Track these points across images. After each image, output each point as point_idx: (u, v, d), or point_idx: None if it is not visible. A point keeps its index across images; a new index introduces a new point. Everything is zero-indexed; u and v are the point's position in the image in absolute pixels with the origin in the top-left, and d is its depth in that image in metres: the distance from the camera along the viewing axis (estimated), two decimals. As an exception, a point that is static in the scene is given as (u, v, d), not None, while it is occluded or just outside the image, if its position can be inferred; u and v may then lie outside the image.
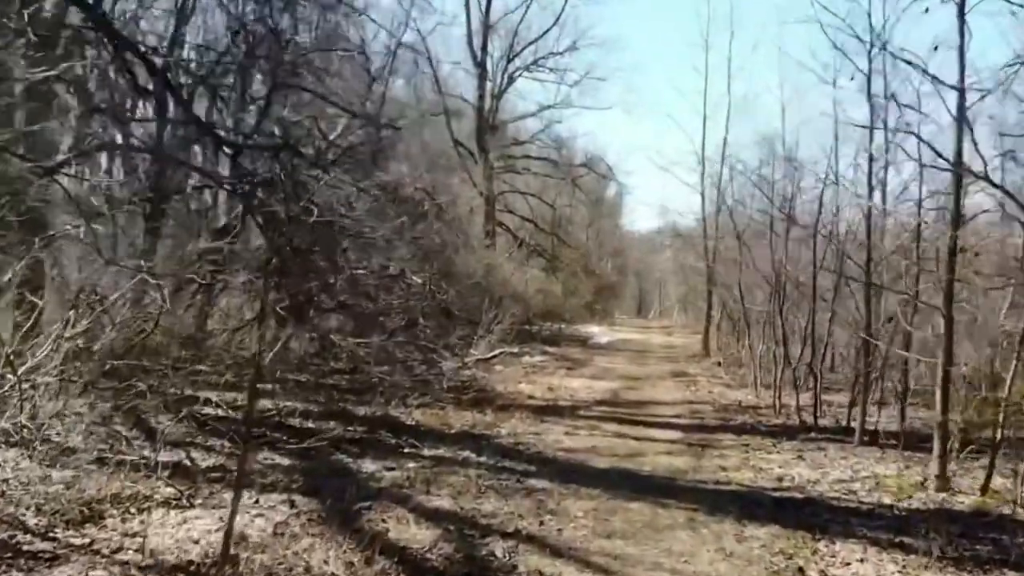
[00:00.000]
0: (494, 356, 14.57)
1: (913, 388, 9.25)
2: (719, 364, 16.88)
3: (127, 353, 7.63)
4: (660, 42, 52.28)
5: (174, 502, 5.90)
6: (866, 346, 8.83)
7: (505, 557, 4.82)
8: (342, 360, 12.24)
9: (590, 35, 28.97)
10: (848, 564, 4.91)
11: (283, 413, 9.08)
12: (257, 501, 5.98)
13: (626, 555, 4.93)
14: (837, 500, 6.37)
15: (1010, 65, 5.83)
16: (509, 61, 27.79)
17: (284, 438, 8.11)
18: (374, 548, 4.73)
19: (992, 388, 7.01)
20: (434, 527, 5.32)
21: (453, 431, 8.74)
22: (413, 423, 9.14)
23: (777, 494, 6.49)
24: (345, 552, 4.77)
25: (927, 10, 7.13)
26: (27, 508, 5.27)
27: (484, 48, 26.93)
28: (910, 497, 6.39)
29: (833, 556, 5.03)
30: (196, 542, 5.10)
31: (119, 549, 4.85)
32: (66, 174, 8.12)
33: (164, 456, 7.07)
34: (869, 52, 8.39)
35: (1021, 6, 6.05)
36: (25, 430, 5.87)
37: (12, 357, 5.75)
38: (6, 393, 5.70)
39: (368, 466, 7.01)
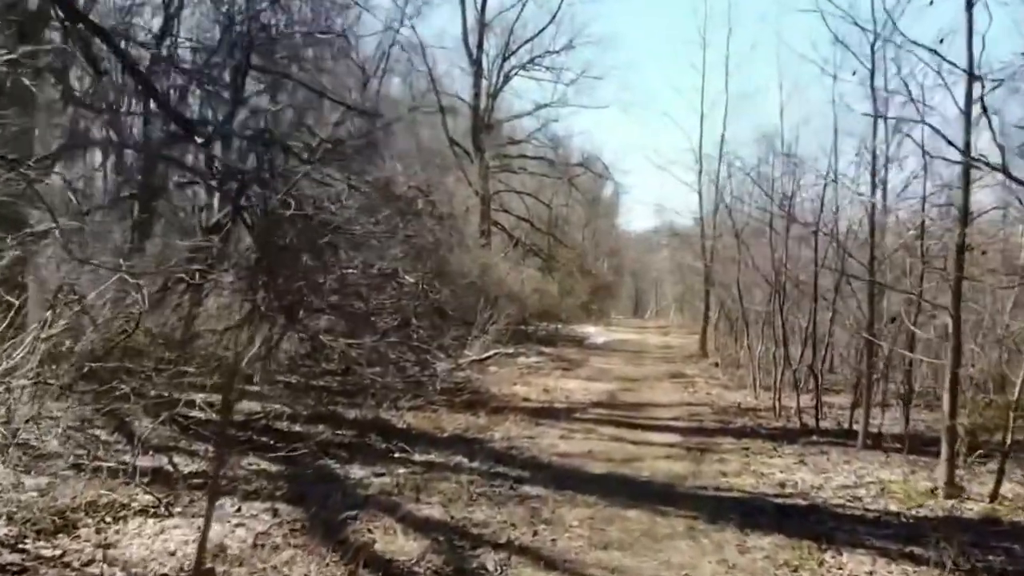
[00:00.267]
0: (489, 357, 14.33)
1: (912, 389, 9.04)
2: (717, 365, 16.66)
3: (107, 355, 7.38)
4: (657, 40, 51.97)
5: (152, 510, 5.65)
6: (869, 347, 8.61)
7: (497, 570, 4.58)
8: (334, 361, 12.01)
9: (586, 33, 28.81)
10: (856, 577, 4.70)
11: (270, 416, 8.85)
12: (239, 509, 5.73)
13: (624, 567, 4.70)
14: (842, 507, 6.15)
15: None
16: (505, 59, 27.62)
17: (271, 442, 7.88)
18: (358, 561, 4.49)
19: (1000, 390, 6.81)
20: (423, 538, 5.08)
21: (445, 435, 8.50)
22: (404, 426, 8.90)
23: (780, 501, 6.26)
24: (328, 565, 4.54)
25: (932, 2, 6.92)
26: (-1, 517, 5.03)
27: (480, 46, 26.75)
28: (920, 506, 6.16)
29: (840, 568, 4.80)
30: (172, 554, 4.86)
31: (90, 562, 4.61)
32: (39, 169, 7.88)
33: (145, 461, 6.85)
34: (872, 44, 8.17)
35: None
36: (-1, 435, 5.62)
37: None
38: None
39: (356, 472, 6.76)
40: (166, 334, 8.31)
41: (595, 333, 25.15)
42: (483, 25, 26.68)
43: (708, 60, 34.66)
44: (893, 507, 6.14)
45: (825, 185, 9.54)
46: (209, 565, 4.43)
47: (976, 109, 6.16)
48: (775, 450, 8.30)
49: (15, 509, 5.23)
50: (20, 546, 4.79)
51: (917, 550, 5.09)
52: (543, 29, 27.13)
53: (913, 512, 6.02)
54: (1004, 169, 5.46)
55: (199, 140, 5.19)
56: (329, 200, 9.38)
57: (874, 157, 8.34)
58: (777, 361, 11.28)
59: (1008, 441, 6.15)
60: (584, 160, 30.98)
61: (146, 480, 6.20)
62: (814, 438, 8.95)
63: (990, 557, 5.03)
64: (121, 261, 6.48)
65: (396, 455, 7.47)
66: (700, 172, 20.95)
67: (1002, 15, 6.39)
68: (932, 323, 8.95)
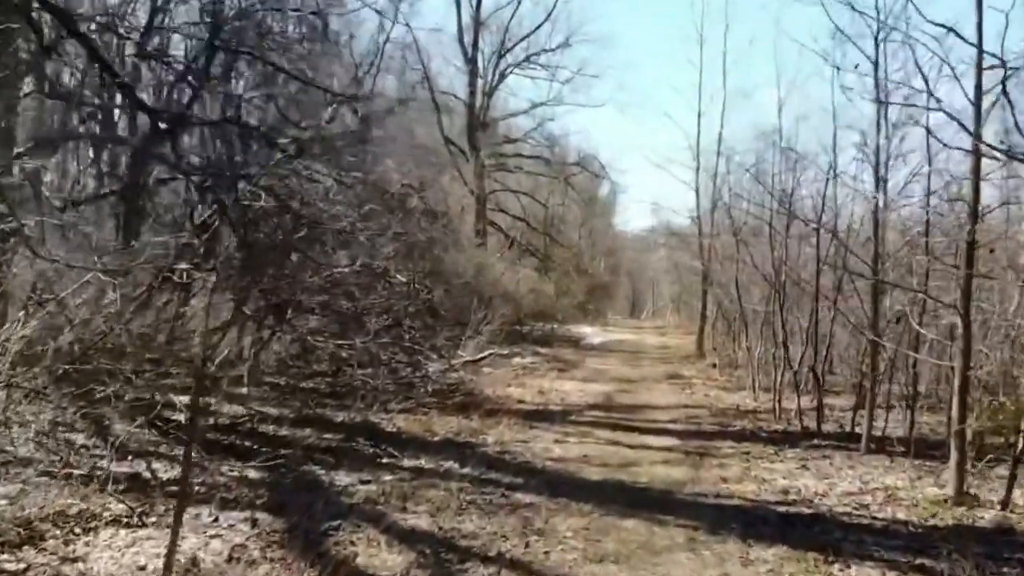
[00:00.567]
0: (483, 358, 14.06)
1: (917, 391, 8.80)
2: (714, 366, 16.42)
3: (84, 356, 7.11)
4: (654, 38, 51.91)
5: (125, 520, 5.38)
6: (873, 347, 8.36)
7: (485, 586, 4.32)
8: (324, 362, 11.74)
9: (583, 31, 28.47)
10: (866, 591, 4.44)
11: (255, 419, 8.57)
12: (216, 519, 5.46)
13: (620, 583, 4.44)
14: (848, 516, 5.88)
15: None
16: (500, 57, 27.37)
17: (255, 447, 7.61)
18: (338, 577, 4.23)
19: (1011, 392, 6.57)
20: (408, 550, 4.81)
21: (436, 439, 8.23)
22: (394, 430, 8.63)
23: (783, 509, 5.99)
24: (306, 582, 4.27)
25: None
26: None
27: (475, 44, 26.49)
28: (929, 513, 5.90)
29: (849, 582, 4.55)
30: (142, 568, 4.59)
31: (55, 576, 4.34)
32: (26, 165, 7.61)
33: (123, 467, 6.60)
34: (876, 36, 7.93)
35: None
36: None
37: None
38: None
39: (342, 478, 6.48)
40: (147, 335, 8.02)
41: (591, 333, 24.90)
42: (478, 22, 26.42)
43: (705, 57, 34.50)
44: (901, 515, 5.89)
45: (827, 181, 9.29)
46: (179, 581, 4.17)
47: (987, 100, 5.92)
48: (776, 454, 8.05)
49: (-18, 519, 4.97)
50: (-19, 559, 4.52)
51: (928, 562, 4.84)
52: (539, 27, 26.93)
53: (922, 521, 5.77)
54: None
55: (162, 126, 4.90)
56: (316, 196, 9.12)
57: (877, 151, 8.09)
58: (777, 362, 11.03)
59: (1021, 445, 5.90)
60: (581, 159, 30.75)
61: (121, 487, 5.96)
62: (816, 441, 8.70)
63: (1005, 569, 4.78)
64: (96, 259, 6.19)
65: (384, 460, 7.19)
66: (698, 170, 20.73)
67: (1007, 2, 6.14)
68: (936, 323, 8.73)
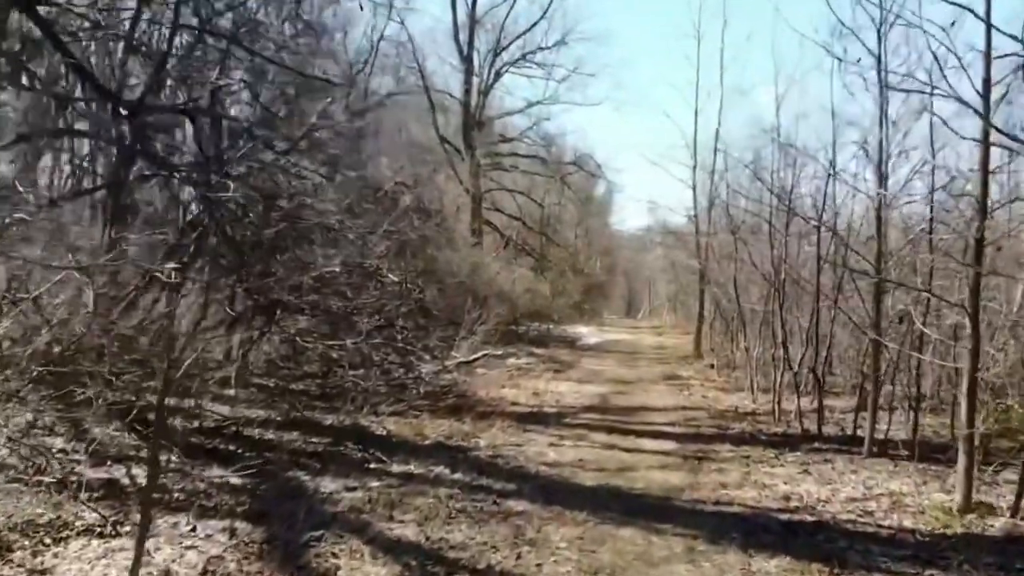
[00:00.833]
0: (477, 359, 13.81)
1: (920, 393, 8.59)
2: (712, 366, 16.20)
3: (62, 357, 6.85)
4: (650, 35, 51.59)
5: (98, 529, 5.14)
6: (876, 347, 8.14)
7: (473, 602, 4.09)
8: (316, 363, 11.49)
9: (579, 30, 28.14)
10: (874, 605, 4.22)
11: (241, 422, 8.32)
12: (193, 529, 5.22)
13: (616, 597, 4.21)
14: (852, 523, 5.66)
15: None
16: (496, 56, 27.10)
17: (238, 451, 7.37)
18: (316, 592, 4.00)
19: (1020, 395, 6.36)
20: (393, 562, 4.58)
21: (427, 442, 7.99)
22: (384, 433, 8.39)
23: (785, 517, 5.76)
24: (282, 597, 4.03)
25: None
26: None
27: (470, 42, 26.23)
28: (937, 521, 5.68)
29: (856, 595, 4.33)
30: (111, 582, 4.35)
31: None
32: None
33: (101, 473, 6.37)
34: (879, 28, 7.71)
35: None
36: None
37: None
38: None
39: (327, 485, 6.24)
40: (125, 336, 7.75)
41: (587, 333, 24.68)
42: (474, 20, 26.17)
43: (702, 53, 34.18)
44: (907, 523, 5.67)
45: (828, 176, 9.07)
46: (147, 598, 3.93)
47: (996, 91, 5.70)
48: (777, 458, 7.82)
49: (-56, 530, 4.74)
50: (-57, 573, 4.29)
51: (938, 574, 4.64)
52: (534, 25, 26.66)
53: (930, 529, 5.55)
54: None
55: (123, 111, 4.64)
56: (304, 193, 8.88)
57: (880, 146, 7.87)
58: (776, 363, 10.81)
59: (1031, 450, 5.69)
60: (577, 158, 30.50)
61: (96, 494, 5.73)
62: (817, 445, 8.48)
63: (1017, 581, 4.57)
64: (71, 257, 5.94)
65: (372, 465, 6.96)
66: (695, 168, 20.50)
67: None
68: (940, 323, 8.52)
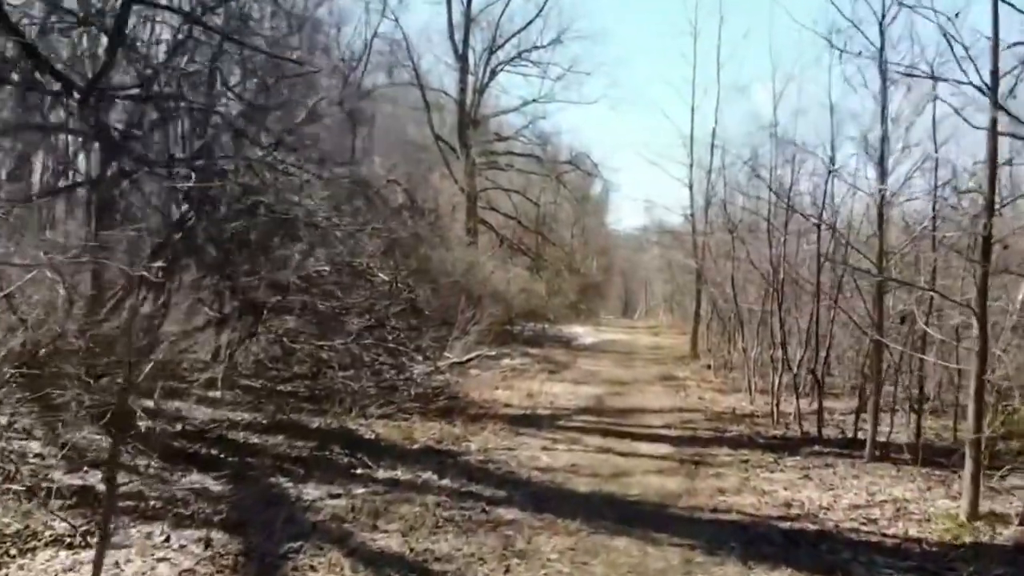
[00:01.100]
0: (470, 359, 13.57)
1: (923, 394, 8.39)
2: (709, 367, 15.99)
3: (33, 359, 6.61)
4: (647, 33, 51.19)
5: (68, 539, 4.90)
6: (877, 348, 7.92)
7: (457, 620, 3.86)
8: (305, 364, 11.26)
9: (574, 28, 27.86)
10: (881, 622, 4.00)
11: (225, 425, 8.08)
12: (167, 539, 4.99)
13: (609, 614, 3.98)
14: (856, 532, 5.44)
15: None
16: (492, 54, 26.87)
17: (220, 456, 7.13)
18: (290, 610, 3.76)
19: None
20: (374, 575, 4.35)
21: (416, 446, 7.75)
22: (372, 437, 8.15)
23: (786, 525, 5.54)
24: (254, 615, 3.80)
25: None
26: None
27: (465, 40, 26.00)
28: (944, 530, 5.46)
29: (862, 611, 4.10)
30: (77, 598, 4.11)
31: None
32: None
33: (76, 479, 6.13)
34: (881, 21, 7.50)
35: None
36: None
37: None
38: None
39: (310, 492, 6.01)
40: (108, 336, 7.51)
41: (583, 333, 24.45)
42: (469, 19, 25.94)
43: (699, 50, 34.05)
44: (913, 531, 5.45)
45: (829, 173, 8.85)
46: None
47: (1005, 83, 5.49)
48: (776, 462, 7.60)
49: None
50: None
51: (947, 586, 4.42)
52: (530, 23, 26.43)
53: (936, 538, 5.33)
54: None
55: (76, 96, 4.38)
56: (290, 189, 8.65)
57: (882, 141, 7.66)
58: (775, 363, 10.60)
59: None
60: (573, 157, 30.25)
61: (69, 502, 5.50)
62: (817, 448, 8.26)
63: (1030, 594, 4.35)
64: (42, 254, 5.69)
65: (358, 471, 6.72)
66: (691, 166, 20.28)
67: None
68: (942, 323, 8.32)
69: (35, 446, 6.85)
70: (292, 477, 6.42)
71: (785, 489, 6.55)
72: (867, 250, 8.45)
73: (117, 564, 4.58)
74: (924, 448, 7.53)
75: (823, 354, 9.73)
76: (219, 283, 8.71)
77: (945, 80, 5.72)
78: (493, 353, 15.20)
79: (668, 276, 30.76)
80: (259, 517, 5.35)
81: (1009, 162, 6.01)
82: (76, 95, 3.95)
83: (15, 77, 5.57)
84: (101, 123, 5.27)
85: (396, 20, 24.01)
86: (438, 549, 4.79)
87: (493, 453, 7.55)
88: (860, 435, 8.47)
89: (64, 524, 5.02)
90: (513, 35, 26.71)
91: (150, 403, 8.09)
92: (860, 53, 7.88)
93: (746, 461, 7.60)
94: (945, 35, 5.46)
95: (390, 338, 11.59)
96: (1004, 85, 5.73)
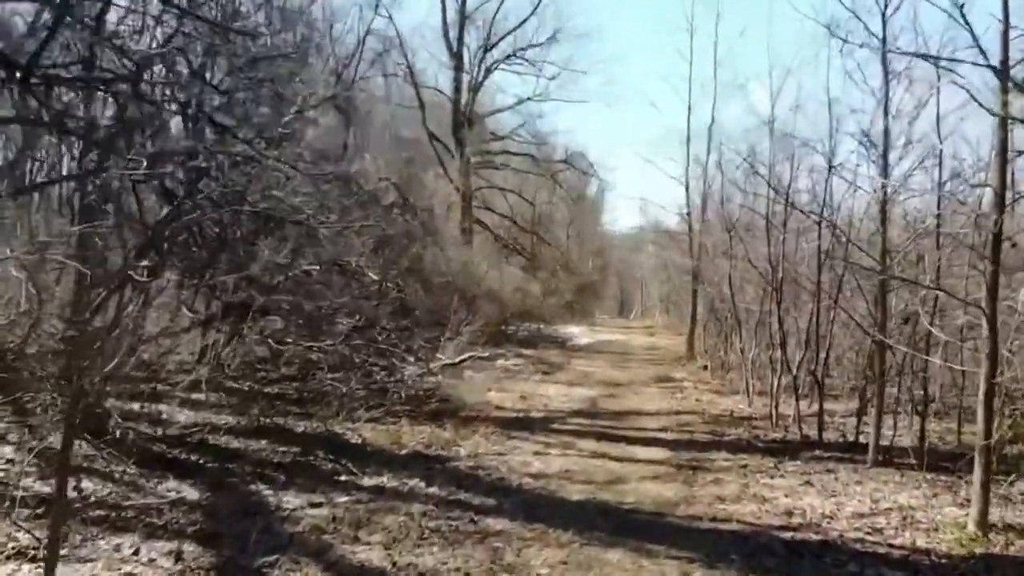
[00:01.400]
0: (463, 360, 13.30)
1: (928, 397, 8.15)
2: (706, 368, 15.75)
3: (3, 359, 6.34)
4: (643, 31, 50.92)
5: (32, 552, 4.64)
6: (880, 349, 7.69)
7: (439, 642, 3.60)
8: (294, 365, 10.99)
9: (570, 26, 27.71)
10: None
11: (206, 429, 7.80)
12: (136, 552, 4.73)
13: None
14: (861, 543, 5.19)
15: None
16: (486, 52, 26.60)
17: (201, 461, 6.87)
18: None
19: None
20: (352, 593, 4.09)
21: (404, 451, 7.49)
22: (359, 441, 7.89)
23: (788, 536, 5.29)
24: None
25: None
26: None
27: (460, 39, 25.72)
28: (954, 540, 5.21)
29: (871, 630, 3.86)
30: (35, 618, 3.85)
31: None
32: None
33: (47, 487, 5.85)
34: (884, 12, 7.27)
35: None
36: None
37: None
38: None
39: (290, 500, 5.75)
40: (83, 337, 7.23)
41: (579, 334, 24.19)
42: (464, 17, 25.67)
43: (696, 47, 33.86)
44: (921, 542, 5.20)
45: (829, 169, 8.61)
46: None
47: (1014, 72, 5.25)
48: (776, 467, 7.36)
49: None
50: None
51: (960, 602, 4.17)
52: (524, 21, 26.15)
53: (945, 548, 5.09)
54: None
55: (35, 81, 4.09)
56: (275, 186, 8.37)
57: (885, 135, 7.42)
58: (773, 364, 10.35)
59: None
60: (568, 157, 29.99)
61: (37, 512, 5.23)
62: (817, 452, 8.02)
63: (1049, 611, 4.11)
64: (9, 251, 5.42)
65: (342, 478, 6.46)
66: (687, 165, 20.02)
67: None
68: (945, 323, 8.09)
69: (7, 451, 6.60)
70: (273, 484, 6.16)
71: (786, 496, 6.30)
72: (869, 248, 8.22)
73: (83, 579, 4.33)
74: (928, 452, 7.30)
75: (823, 355, 9.48)
76: (201, 282, 8.43)
77: (954, 61, 5.45)
78: (486, 354, 14.93)
79: (664, 276, 30.52)
80: (235, 528, 5.09)
81: (1021, 153, 5.72)
82: (16, 74, 3.69)
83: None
84: (83, 117, 5.03)
85: (390, 17, 23.75)
86: (422, 563, 4.53)
87: (484, 458, 7.29)
88: (862, 439, 8.25)
89: (28, 536, 4.76)
90: (508, 33, 26.46)
91: (127, 405, 7.84)
92: (863, 45, 7.66)
93: (745, 466, 7.36)
94: (953, 18, 5.18)
95: (380, 339, 11.33)
96: (1014, 74, 5.49)
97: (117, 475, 6.33)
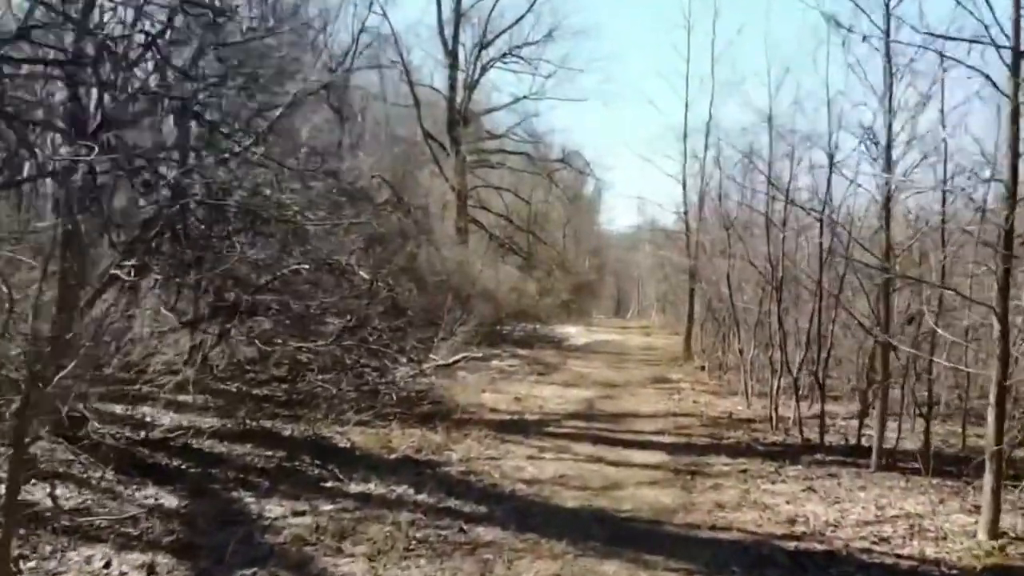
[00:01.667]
0: (457, 361, 13.07)
1: (933, 399, 7.95)
2: (703, 368, 15.55)
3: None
4: (640, 28, 50.58)
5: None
6: (884, 351, 7.48)
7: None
8: (284, 366, 10.75)
9: (566, 24, 27.32)
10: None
11: (190, 433, 7.55)
12: (108, 564, 4.49)
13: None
14: (868, 553, 4.97)
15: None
16: (482, 50, 26.36)
17: (183, 467, 6.63)
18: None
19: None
20: (333, 609, 3.87)
21: (393, 456, 7.26)
22: (347, 445, 7.66)
23: (791, 545, 5.06)
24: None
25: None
26: None
27: (455, 37, 25.48)
28: (965, 550, 5.00)
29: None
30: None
31: None
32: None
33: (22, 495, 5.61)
34: (887, 3, 7.05)
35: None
36: None
37: None
38: None
39: (273, 508, 5.52)
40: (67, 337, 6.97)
41: (575, 334, 23.97)
42: (459, 14, 25.43)
43: (693, 44, 33.60)
44: (930, 551, 4.99)
45: (830, 166, 8.40)
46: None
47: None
48: (777, 472, 7.14)
49: None
50: None
51: (974, 618, 3.96)
52: (520, 18, 25.91)
53: (955, 559, 4.88)
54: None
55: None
56: (263, 184, 8.14)
57: (888, 130, 7.21)
58: (773, 365, 10.14)
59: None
60: (565, 156, 29.76)
61: None
62: (819, 456, 7.81)
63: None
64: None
65: (328, 484, 6.23)
66: (684, 163, 19.78)
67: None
68: (951, 323, 7.90)
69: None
70: (256, 491, 5.93)
71: (788, 503, 6.09)
72: (871, 246, 8.02)
73: (47, 595, 4.10)
74: (933, 456, 7.09)
75: (824, 356, 9.27)
76: (185, 281, 8.20)
77: (965, 41, 5.24)
78: (481, 355, 14.71)
79: (661, 275, 30.30)
80: (213, 538, 4.86)
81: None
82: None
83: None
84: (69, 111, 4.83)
85: (384, 14, 23.50)
86: (408, 576, 4.31)
87: (476, 463, 7.07)
88: (864, 442, 8.05)
89: None
90: (504, 31, 26.24)
91: (109, 408, 7.61)
92: (865, 38, 7.45)
93: (745, 471, 7.14)
94: (960, 3, 4.97)
95: (372, 339, 11.09)
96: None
97: (94, 481, 6.11)
